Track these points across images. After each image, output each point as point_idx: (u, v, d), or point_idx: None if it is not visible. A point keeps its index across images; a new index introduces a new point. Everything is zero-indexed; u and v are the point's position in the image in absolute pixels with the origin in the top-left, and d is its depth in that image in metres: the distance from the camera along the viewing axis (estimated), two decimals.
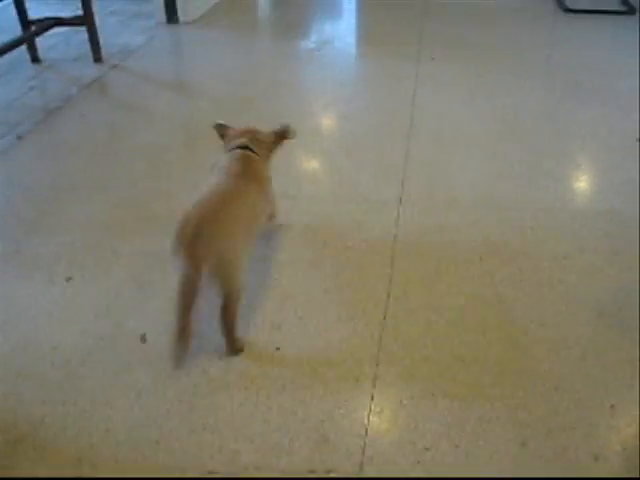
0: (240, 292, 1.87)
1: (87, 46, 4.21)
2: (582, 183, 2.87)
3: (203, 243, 1.75)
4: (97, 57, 4.21)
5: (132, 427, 1.71)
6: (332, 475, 1.59)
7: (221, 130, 2.29)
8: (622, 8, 5.23)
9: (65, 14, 4.19)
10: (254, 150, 2.16)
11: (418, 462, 1.61)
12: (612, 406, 1.75)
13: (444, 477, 1.60)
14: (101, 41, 4.24)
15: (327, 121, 3.50)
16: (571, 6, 5.21)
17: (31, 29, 4.03)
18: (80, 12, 4.10)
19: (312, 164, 3.04)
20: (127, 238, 2.44)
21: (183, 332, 1.75)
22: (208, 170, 2.13)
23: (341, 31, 5.01)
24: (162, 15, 4.98)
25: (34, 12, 4.08)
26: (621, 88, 3.77)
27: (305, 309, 2.07)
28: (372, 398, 1.77)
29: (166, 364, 1.85)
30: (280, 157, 2.97)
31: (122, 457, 1.63)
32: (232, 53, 4.48)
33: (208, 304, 1.86)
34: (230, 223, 1.83)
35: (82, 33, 4.21)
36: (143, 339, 1.97)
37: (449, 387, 1.80)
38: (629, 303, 2.10)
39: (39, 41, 4.17)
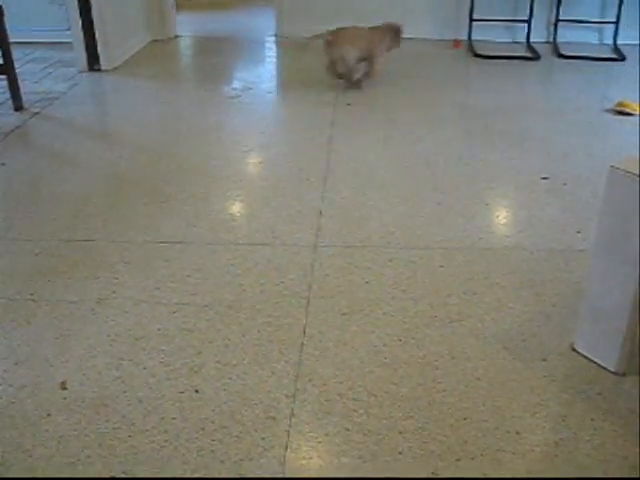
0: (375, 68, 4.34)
1: (7, 94, 4.21)
2: (490, 222, 3.02)
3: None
4: (18, 105, 4.21)
5: (53, 475, 1.72)
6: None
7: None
8: (528, 54, 5.51)
9: None
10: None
11: None
12: (517, 433, 1.85)
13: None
14: (22, 89, 4.25)
15: (246, 167, 3.60)
16: (480, 52, 5.46)
17: None
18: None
19: (230, 210, 3.12)
20: (47, 287, 2.46)
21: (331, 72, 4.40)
22: None
23: (262, 77, 5.13)
24: (84, 63, 5.01)
25: None
26: (528, 130, 3.97)
27: (223, 352, 2.13)
28: (288, 436, 1.83)
29: (87, 410, 1.89)
30: (199, 204, 3.06)
31: None
32: (154, 100, 4.55)
33: None
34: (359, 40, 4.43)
35: (2, 81, 4.21)
36: (64, 386, 2.00)
37: (363, 422, 1.88)
38: (532, 335, 2.22)
39: None
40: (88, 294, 2.42)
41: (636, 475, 1.73)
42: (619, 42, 5.69)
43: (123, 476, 1.71)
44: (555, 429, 1.88)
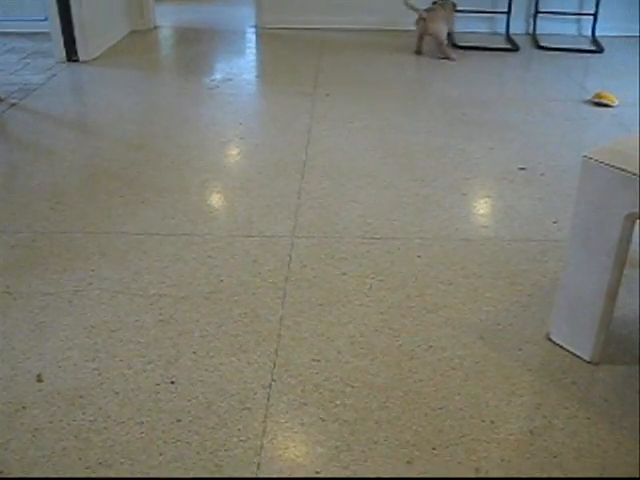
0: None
1: None
2: (467, 212, 3.02)
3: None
4: None
5: (28, 468, 1.72)
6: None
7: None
8: (507, 45, 5.53)
9: None
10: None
11: None
12: (492, 421, 1.87)
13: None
14: None
15: (224, 158, 3.58)
16: (460, 43, 5.48)
17: None
18: None
19: (208, 201, 3.11)
20: (23, 279, 2.44)
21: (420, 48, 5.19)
22: None
23: (242, 68, 5.11)
24: (62, 54, 4.97)
25: None
26: (506, 121, 3.99)
27: (200, 344, 2.13)
28: (265, 426, 1.83)
29: (62, 402, 1.88)
30: (176, 195, 3.05)
31: None
32: (133, 91, 4.52)
33: None
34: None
35: None
36: (39, 379, 1.99)
37: (339, 412, 1.88)
38: (507, 324, 2.24)
39: None
40: (64, 286, 2.41)
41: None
42: (597, 34, 5.72)
43: (103, 469, 1.71)
44: (530, 417, 1.89)
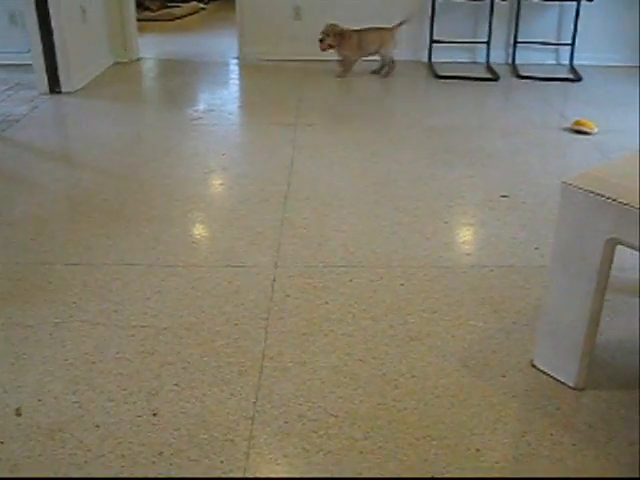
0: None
1: None
2: (449, 240, 3.03)
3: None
4: None
5: None
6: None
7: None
8: (488, 75, 5.59)
9: None
10: None
11: None
12: (477, 450, 1.85)
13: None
14: None
15: (207, 189, 3.58)
16: (440, 73, 5.53)
17: None
18: None
19: (191, 232, 3.10)
20: (3, 311, 2.42)
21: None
22: None
23: (224, 99, 5.13)
24: (44, 85, 4.98)
25: None
26: (487, 149, 4.02)
27: (182, 375, 2.11)
28: (247, 458, 1.81)
29: (42, 436, 1.86)
30: (159, 226, 3.04)
31: None
32: (116, 123, 4.52)
33: None
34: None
35: None
36: (18, 412, 1.96)
37: (323, 443, 1.87)
38: (491, 351, 2.24)
39: None
40: (45, 318, 2.39)
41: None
42: (575, 62, 5.80)
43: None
44: (515, 445, 1.88)
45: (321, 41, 5.35)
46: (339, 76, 5.47)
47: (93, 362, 2.16)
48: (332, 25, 5.37)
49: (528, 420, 1.97)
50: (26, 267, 2.71)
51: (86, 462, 1.80)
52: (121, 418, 1.94)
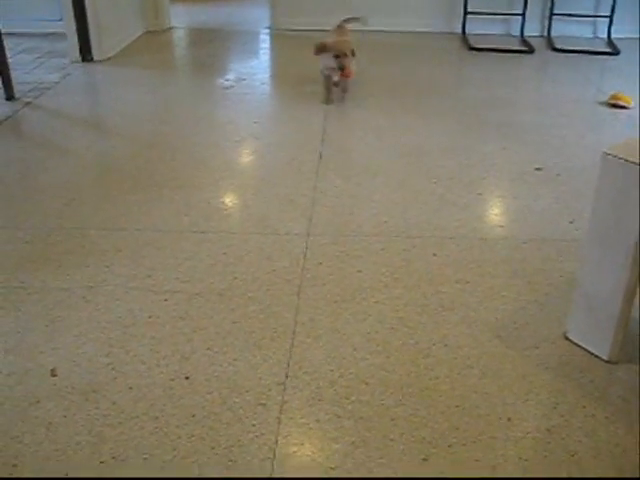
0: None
1: None
2: (483, 211, 3.01)
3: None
4: (9, 95, 4.18)
5: (42, 461, 1.71)
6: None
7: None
8: (522, 47, 5.51)
9: None
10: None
11: None
12: (509, 419, 1.85)
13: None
14: (14, 79, 4.23)
15: (239, 157, 3.58)
16: (474, 45, 5.46)
17: None
18: None
19: (222, 199, 3.09)
20: (37, 275, 2.44)
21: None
22: None
23: (256, 68, 5.11)
24: (76, 53, 4.99)
25: None
26: (521, 122, 3.97)
27: (214, 339, 2.12)
28: (279, 423, 1.82)
29: (76, 397, 1.88)
30: (191, 193, 3.05)
31: None
32: (147, 91, 4.53)
33: None
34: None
35: None
36: (53, 373, 1.98)
37: (354, 409, 1.87)
38: (524, 323, 2.22)
39: None
40: (79, 282, 2.41)
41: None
42: (613, 36, 5.70)
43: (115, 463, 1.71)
44: (547, 416, 1.87)
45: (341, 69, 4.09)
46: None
47: (126, 326, 2.18)
48: (345, 41, 4.24)
49: (561, 392, 1.95)
50: (59, 232, 2.72)
51: (120, 423, 1.81)
52: (154, 381, 1.95)
